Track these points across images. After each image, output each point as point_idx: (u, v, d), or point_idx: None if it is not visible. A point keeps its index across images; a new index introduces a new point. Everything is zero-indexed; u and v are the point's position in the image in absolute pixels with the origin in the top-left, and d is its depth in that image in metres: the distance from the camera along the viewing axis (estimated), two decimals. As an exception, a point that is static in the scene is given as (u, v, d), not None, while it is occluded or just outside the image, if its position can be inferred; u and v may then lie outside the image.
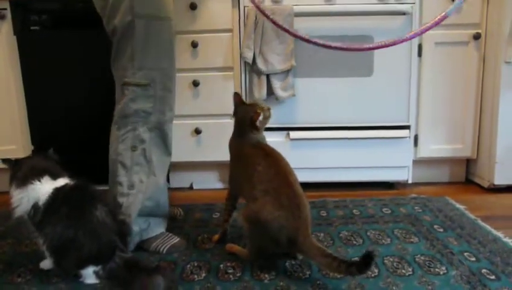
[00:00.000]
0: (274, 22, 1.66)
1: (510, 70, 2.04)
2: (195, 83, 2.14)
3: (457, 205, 1.94)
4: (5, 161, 1.39)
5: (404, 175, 2.22)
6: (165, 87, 1.53)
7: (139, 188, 1.50)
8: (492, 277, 1.31)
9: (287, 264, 1.42)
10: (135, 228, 1.48)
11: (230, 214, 1.59)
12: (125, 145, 1.49)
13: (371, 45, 1.62)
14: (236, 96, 1.56)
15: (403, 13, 2.07)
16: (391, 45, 1.57)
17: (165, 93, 1.53)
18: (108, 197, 1.50)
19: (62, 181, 1.34)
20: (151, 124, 1.52)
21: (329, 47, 1.59)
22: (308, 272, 1.37)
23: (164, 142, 1.57)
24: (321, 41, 1.57)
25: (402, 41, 1.57)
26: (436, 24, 1.54)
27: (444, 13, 1.52)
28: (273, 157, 1.44)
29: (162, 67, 1.51)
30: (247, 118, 1.49)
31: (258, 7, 1.68)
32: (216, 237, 1.62)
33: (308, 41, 1.59)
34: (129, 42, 1.47)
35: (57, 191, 1.28)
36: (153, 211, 1.55)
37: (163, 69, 1.52)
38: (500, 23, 2.03)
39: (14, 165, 1.37)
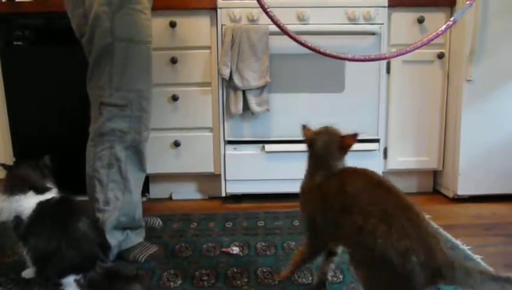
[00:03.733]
0: (280, 27, 1.66)
1: (471, 87, 2.17)
2: (175, 98, 2.23)
3: (423, 215, 2.05)
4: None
5: (374, 186, 2.32)
6: (142, 108, 1.58)
7: (114, 204, 1.56)
8: (447, 282, 1.42)
9: (258, 271, 1.51)
10: (112, 241, 1.54)
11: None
12: (101, 162, 1.55)
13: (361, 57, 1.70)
14: (305, 129, 1.33)
15: (373, 33, 2.19)
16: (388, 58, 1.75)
17: (141, 113, 1.58)
18: (91, 209, 1.57)
19: (48, 195, 1.40)
20: (127, 143, 1.57)
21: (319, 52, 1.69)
22: (278, 280, 1.46)
23: (139, 160, 1.63)
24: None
25: (405, 52, 1.68)
26: (446, 30, 1.65)
27: (452, 19, 1.63)
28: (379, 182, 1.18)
29: (139, 89, 1.57)
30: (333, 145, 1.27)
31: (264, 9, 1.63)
32: None
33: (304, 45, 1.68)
34: (108, 63, 1.52)
35: (41, 205, 1.35)
36: (129, 224, 1.62)
37: (140, 91, 1.57)
38: (461, 44, 2.16)
39: (8, 169, 1.44)
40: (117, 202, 1.57)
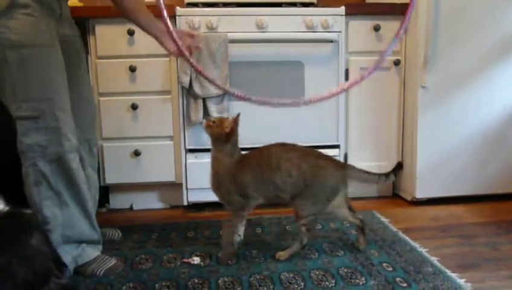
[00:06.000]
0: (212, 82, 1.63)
1: (426, 94, 2.24)
2: (134, 106, 2.19)
3: (382, 219, 2.09)
4: None
5: (336, 191, 2.36)
6: (57, 118, 1.46)
7: (54, 221, 1.48)
8: (405, 285, 1.45)
9: (219, 281, 1.50)
10: (66, 257, 1.48)
11: None
12: (29, 181, 1.46)
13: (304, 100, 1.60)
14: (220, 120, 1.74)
15: (331, 41, 2.22)
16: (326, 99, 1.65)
17: (58, 124, 1.46)
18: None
19: (-5, 208, 1.35)
20: (50, 157, 1.46)
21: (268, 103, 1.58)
22: (239, 289, 1.46)
23: (67, 173, 1.50)
24: (259, 98, 1.52)
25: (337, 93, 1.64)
26: (376, 67, 1.59)
27: (381, 56, 1.56)
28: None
29: (50, 97, 1.45)
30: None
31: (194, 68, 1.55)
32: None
33: (244, 98, 1.52)
34: (5, 75, 1.41)
35: (-11, 219, 1.29)
36: (81, 237, 1.56)
37: (51, 100, 1.45)
38: (416, 51, 2.23)
39: None
40: (56, 218, 1.49)
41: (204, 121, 1.74)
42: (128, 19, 1.68)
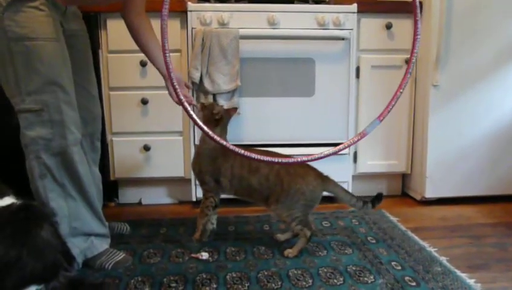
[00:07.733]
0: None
1: (437, 93, 2.22)
2: (144, 101, 2.20)
3: (391, 218, 2.08)
4: None
5: (344, 189, 2.35)
6: (61, 111, 1.46)
7: (61, 213, 1.48)
8: (413, 284, 1.44)
9: (227, 277, 1.50)
10: (74, 250, 1.47)
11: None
12: (34, 174, 1.47)
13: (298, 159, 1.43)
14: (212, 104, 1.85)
15: (342, 38, 2.21)
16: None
17: (62, 117, 1.46)
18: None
19: (8, 200, 1.35)
20: (54, 150, 1.46)
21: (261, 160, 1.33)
22: (247, 284, 1.46)
23: (71, 166, 1.50)
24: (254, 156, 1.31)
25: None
26: (356, 142, 1.47)
27: (364, 131, 1.44)
28: None
29: (54, 90, 1.44)
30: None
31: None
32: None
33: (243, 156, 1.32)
34: (9, 68, 1.41)
35: (1, 211, 1.30)
36: (89, 230, 1.56)
37: (55, 92, 1.44)
38: (427, 50, 2.21)
39: None
40: (62, 210, 1.50)
41: (199, 104, 1.89)
42: (134, 39, 1.77)
